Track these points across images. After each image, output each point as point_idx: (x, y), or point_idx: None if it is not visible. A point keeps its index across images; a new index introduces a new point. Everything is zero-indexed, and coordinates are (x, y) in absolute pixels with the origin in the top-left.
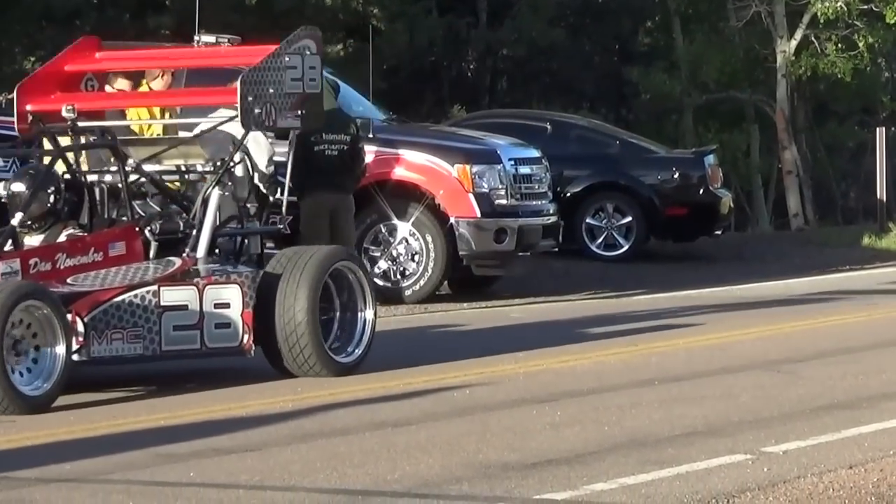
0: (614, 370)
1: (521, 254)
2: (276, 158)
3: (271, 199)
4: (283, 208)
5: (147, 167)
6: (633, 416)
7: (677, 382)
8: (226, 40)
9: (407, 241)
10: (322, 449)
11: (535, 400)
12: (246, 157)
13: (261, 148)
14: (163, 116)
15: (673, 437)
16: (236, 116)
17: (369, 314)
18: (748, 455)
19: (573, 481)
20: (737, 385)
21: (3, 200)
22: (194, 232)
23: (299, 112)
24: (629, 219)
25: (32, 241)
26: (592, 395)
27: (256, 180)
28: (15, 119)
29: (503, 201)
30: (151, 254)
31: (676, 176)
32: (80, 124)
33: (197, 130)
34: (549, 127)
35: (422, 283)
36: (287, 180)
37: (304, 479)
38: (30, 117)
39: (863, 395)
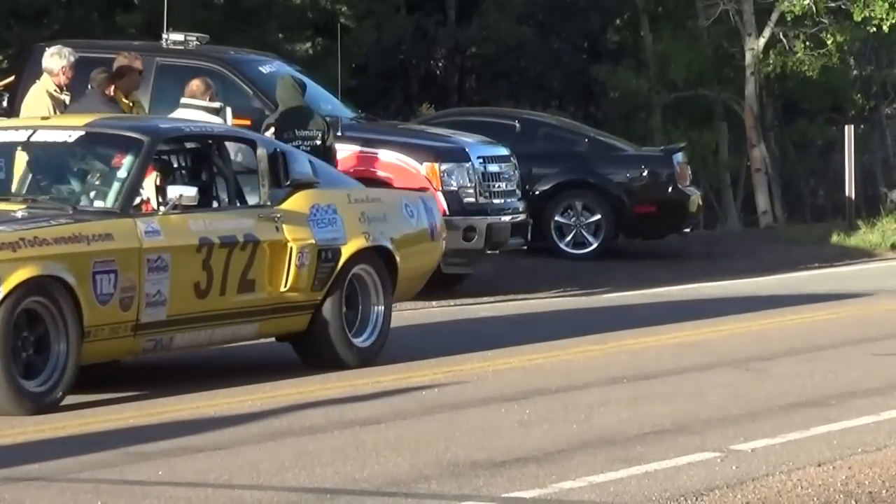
0: (583, 368)
1: (489, 252)
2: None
3: None
4: None
5: None
6: (602, 415)
7: (646, 380)
8: (194, 38)
9: None
10: (291, 447)
11: (504, 398)
12: None
13: None
14: (130, 111)
15: (642, 435)
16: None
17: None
18: (717, 453)
19: (542, 480)
20: (706, 383)
21: None
22: None
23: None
24: (598, 217)
25: None
26: (561, 394)
27: None
28: None
29: (472, 199)
30: None
31: (645, 174)
32: None
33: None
34: (517, 125)
35: None
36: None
37: (272, 477)
38: None
39: (832, 392)
